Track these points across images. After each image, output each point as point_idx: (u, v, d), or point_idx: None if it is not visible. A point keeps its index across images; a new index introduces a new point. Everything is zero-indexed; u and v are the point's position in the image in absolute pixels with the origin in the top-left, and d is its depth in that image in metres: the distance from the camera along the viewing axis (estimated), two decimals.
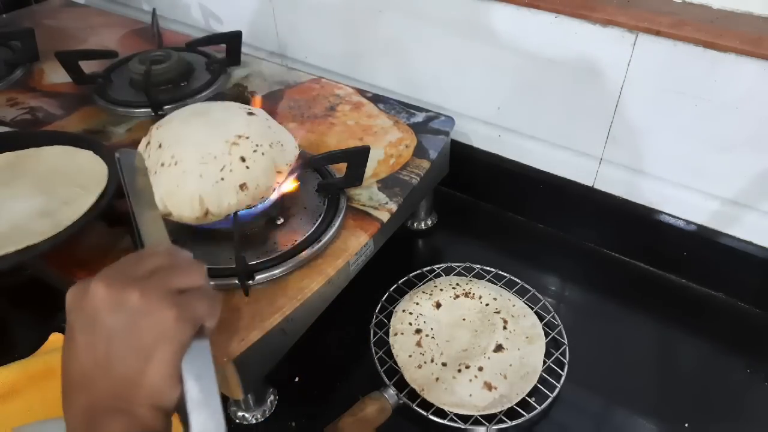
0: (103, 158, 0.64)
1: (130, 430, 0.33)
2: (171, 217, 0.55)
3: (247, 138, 0.55)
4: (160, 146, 0.56)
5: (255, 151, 0.55)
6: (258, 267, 0.56)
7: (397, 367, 0.63)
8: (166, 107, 0.80)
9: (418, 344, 0.64)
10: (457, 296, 0.70)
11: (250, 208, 0.57)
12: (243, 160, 0.54)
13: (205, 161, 0.54)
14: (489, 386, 0.60)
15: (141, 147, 0.60)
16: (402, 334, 0.66)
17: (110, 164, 0.62)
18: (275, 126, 0.61)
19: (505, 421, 0.58)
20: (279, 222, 0.61)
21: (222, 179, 0.54)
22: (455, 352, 0.64)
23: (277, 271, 0.56)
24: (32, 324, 0.71)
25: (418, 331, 0.66)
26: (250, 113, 0.59)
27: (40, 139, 0.67)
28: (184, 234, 0.60)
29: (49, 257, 0.59)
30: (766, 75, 0.57)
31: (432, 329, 0.66)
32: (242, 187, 0.54)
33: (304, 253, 0.58)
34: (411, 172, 0.70)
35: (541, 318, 0.68)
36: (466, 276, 0.74)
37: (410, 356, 0.63)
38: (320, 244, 0.59)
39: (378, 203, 0.65)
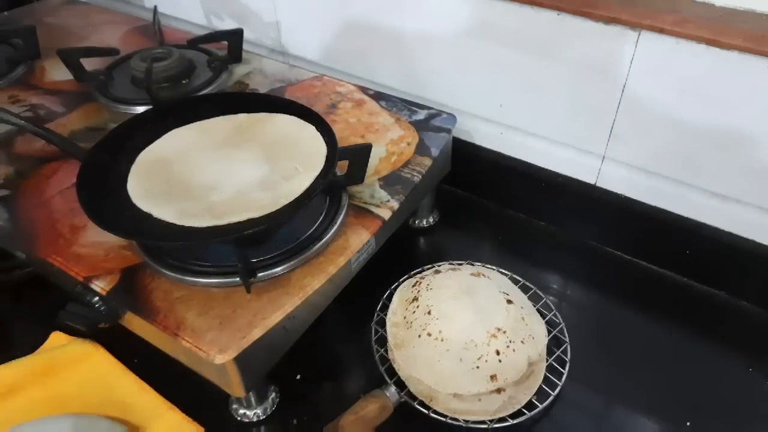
0: (323, 135, 0.64)
1: None
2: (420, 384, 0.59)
3: (504, 333, 0.60)
4: (429, 312, 0.62)
5: (508, 346, 0.60)
6: (260, 264, 0.56)
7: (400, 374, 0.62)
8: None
9: (420, 336, 0.63)
10: None
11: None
12: (498, 353, 0.59)
13: (467, 348, 0.59)
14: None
15: (403, 297, 0.66)
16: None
17: (329, 144, 0.63)
18: (528, 313, 0.65)
19: (506, 420, 0.58)
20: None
21: (477, 367, 0.58)
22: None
23: (278, 269, 0.56)
24: (33, 322, 0.71)
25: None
26: (509, 301, 0.64)
27: (274, 104, 0.70)
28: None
29: (49, 256, 0.60)
30: None
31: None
32: (492, 378, 0.58)
33: (306, 251, 0.58)
34: (413, 169, 0.69)
35: (542, 316, 0.68)
36: None
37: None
38: (322, 242, 0.59)
39: (380, 201, 0.65)
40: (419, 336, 0.62)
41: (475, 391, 0.58)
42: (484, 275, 0.67)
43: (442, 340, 0.60)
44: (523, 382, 0.60)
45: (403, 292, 0.69)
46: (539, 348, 0.62)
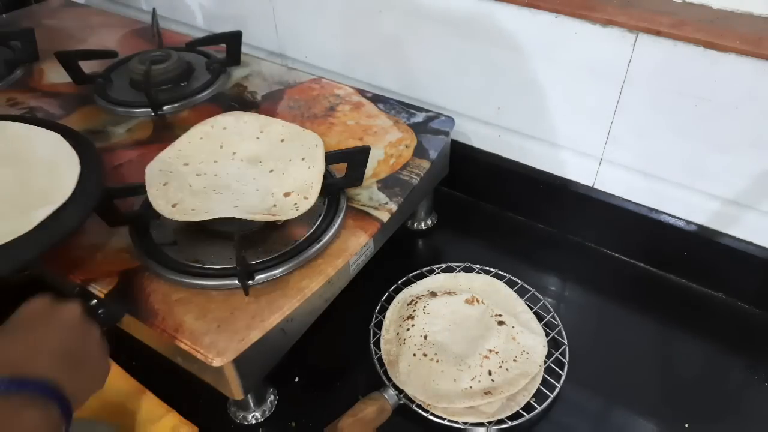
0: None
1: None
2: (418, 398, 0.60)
3: (497, 353, 0.63)
4: (426, 338, 0.65)
5: (501, 366, 0.62)
6: (258, 267, 0.56)
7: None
8: (165, 107, 0.81)
9: (414, 355, 0.63)
10: None
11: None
12: (490, 373, 0.61)
13: (461, 369, 0.61)
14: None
15: (397, 313, 0.68)
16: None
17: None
18: (521, 330, 0.65)
19: (505, 422, 0.58)
20: (279, 222, 0.61)
21: (470, 387, 0.60)
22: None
23: (277, 271, 0.56)
24: None
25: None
26: (500, 322, 0.66)
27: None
28: (184, 233, 0.60)
29: (46, 257, 0.59)
30: (766, 75, 0.57)
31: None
32: (486, 393, 0.59)
33: (304, 253, 0.58)
34: (411, 172, 0.69)
35: (540, 318, 0.68)
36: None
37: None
38: (320, 244, 0.59)
39: (378, 203, 0.65)
40: (414, 355, 0.63)
41: (469, 405, 0.58)
42: (478, 300, 0.68)
43: (437, 362, 0.62)
44: (520, 383, 0.60)
45: (397, 308, 0.69)
46: (537, 361, 0.62)
